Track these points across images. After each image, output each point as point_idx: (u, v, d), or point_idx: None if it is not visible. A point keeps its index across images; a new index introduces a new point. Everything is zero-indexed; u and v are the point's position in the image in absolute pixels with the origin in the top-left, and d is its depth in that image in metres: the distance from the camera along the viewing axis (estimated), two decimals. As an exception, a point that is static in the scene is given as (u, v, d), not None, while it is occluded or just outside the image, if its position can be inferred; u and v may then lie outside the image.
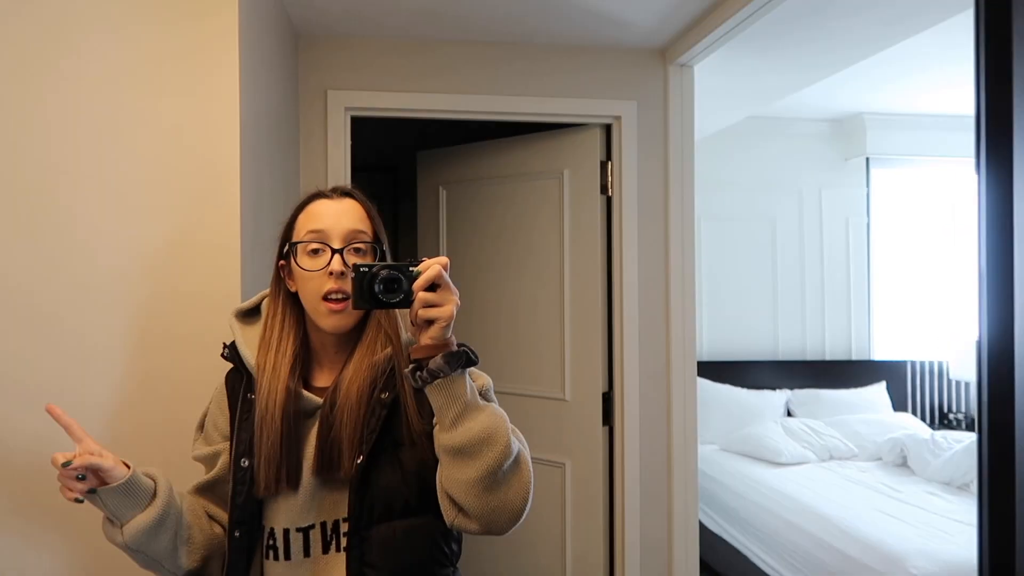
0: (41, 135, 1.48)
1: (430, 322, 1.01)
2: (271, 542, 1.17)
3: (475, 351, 1.06)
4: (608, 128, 2.69)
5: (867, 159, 4.88)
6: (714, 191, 4.64)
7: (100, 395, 1.49)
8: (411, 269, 1.04)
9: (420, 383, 1.02)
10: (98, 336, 1.50)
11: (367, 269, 1.05)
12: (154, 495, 1.14)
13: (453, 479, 1.05)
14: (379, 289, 1.04)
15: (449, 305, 1.01)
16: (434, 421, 1.07)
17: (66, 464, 1.06)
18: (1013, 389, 0.48)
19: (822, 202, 4.91)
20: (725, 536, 3.87)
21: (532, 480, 1.10)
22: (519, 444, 1.10)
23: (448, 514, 1.09)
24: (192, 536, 1.19)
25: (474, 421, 1.03)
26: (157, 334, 1.52)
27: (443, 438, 1.05)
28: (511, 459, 1.05)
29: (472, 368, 1.18)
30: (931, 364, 4.97)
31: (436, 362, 1.01)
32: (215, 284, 1.54)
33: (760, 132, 4.77)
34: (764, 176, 4.84)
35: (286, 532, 1.16)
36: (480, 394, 1.15)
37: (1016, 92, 0.48)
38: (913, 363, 4.94)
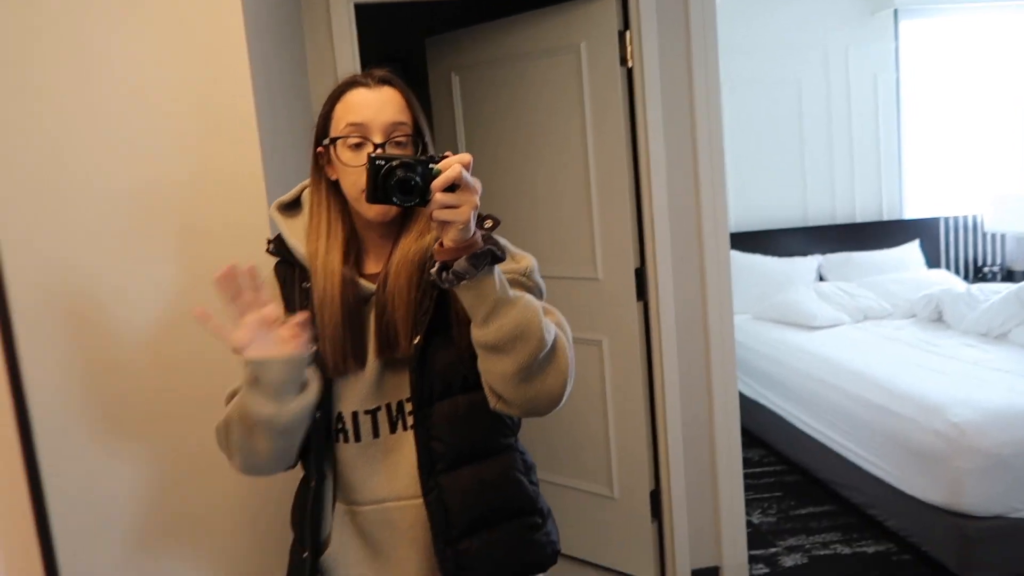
0: (45, 45, 1.44)
1: (447, 223, 0.97)
2: (340, 425, 1.21)
3: (502, 245, 1.03)
4: (624, -6, 2.57)
5: (895, 11, 4.65)
6: (736, 55, 4.46)
7: (141, 326, 1.50)
8: (431, 166, 0.99)
9: (447, 284, 1.01)
10: (132, 271, 1.50)
11: (383, 163, 1.00)
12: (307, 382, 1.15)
13: (490, 372, 1.07)
14: (394, 192, 1.00)
15: (466, 207, 0.97)
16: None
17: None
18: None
19: (849, 60, 4.72)
20: (763, 401, 3.95)
21: (571, 366, 1.10)
22: (556, 331, 1.10)
23: (490, 400, 1.11)
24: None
25: (505, 318, 1.02)
26: (189, 258, 1.51)
27: (477, 334, 1.05)
28: (546, 350, 1.06)
29: (515, 251, 1.18)
30: (964, 219, 4.89)
31: (461, 264, 0.98)
32: (240, 199, 1.52)
33: (783, -12, 4.54)
34: (788, 37, 4.64)
35: (354, 415, 1.20)
36: (523, 275, 1.16)
37: None
38: (946, 219, 4.87)
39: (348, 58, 2.45)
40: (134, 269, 1.50)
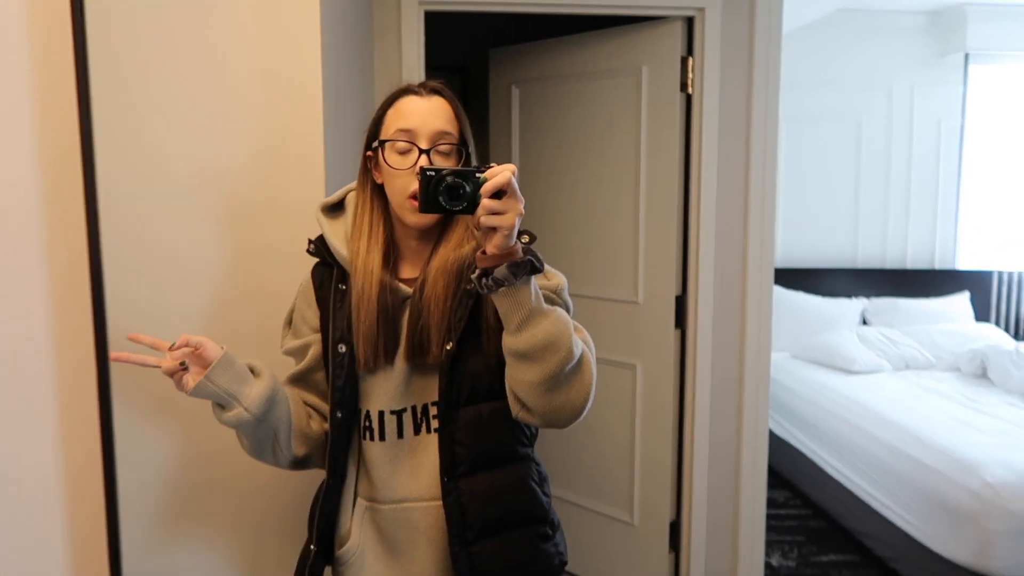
0: (118, 44, 1.49)
1: (493, 229, 1.01)
2: (367, 423, 1.25)
3: (540, 257, 1.06)
4: (690, 21, 2.57)
5: (966, 55, 4.56)
6: (796, 90, 4.42)
7: (194, 307, 1.53)
8: (478, 175, 1.04)
9: (486, 290, 1.04)
10: (189, 250, 1.53)
11: (433, 173, 1.06)
12: (254, 371, 1.22)
13: (517, 379, 1.10)
14: (443, 198, 1.05)
15: (511, 214, 1.00)
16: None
17: (172, 347, 1.15)
18: None
19: (913, 102, 4.64)
20: (792, 441, 3.89)
21: (594, 381, 1.13)
22: (583, 346, 1.12)
23: (513, 407, 1.14)
24: (294, 424, 1.26)
25: (538, 328, 1.05)
26: (242, 245, 1.54)
27: (508, 341, 1.08)
28: (573, 363, 1.08)
29: (548, 269, 1.20)
30: (1020, 275, 4.76)
31: (501, 271, 1.02)
32: (300, 190, 1.55)
33: (850, 26, 4.49)
34: (851, 74, 4.58)
35: (381, 414, 1.23)
36: (554, 292, 1.19)
37: None
38: (1000, 273, 4.74)
39: (414, 62, 2.49)
40: (193, 248, 1.53)
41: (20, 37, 1.43)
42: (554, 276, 1.21)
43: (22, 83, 1.44)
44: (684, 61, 2.57)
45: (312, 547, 1.28)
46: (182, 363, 1.15)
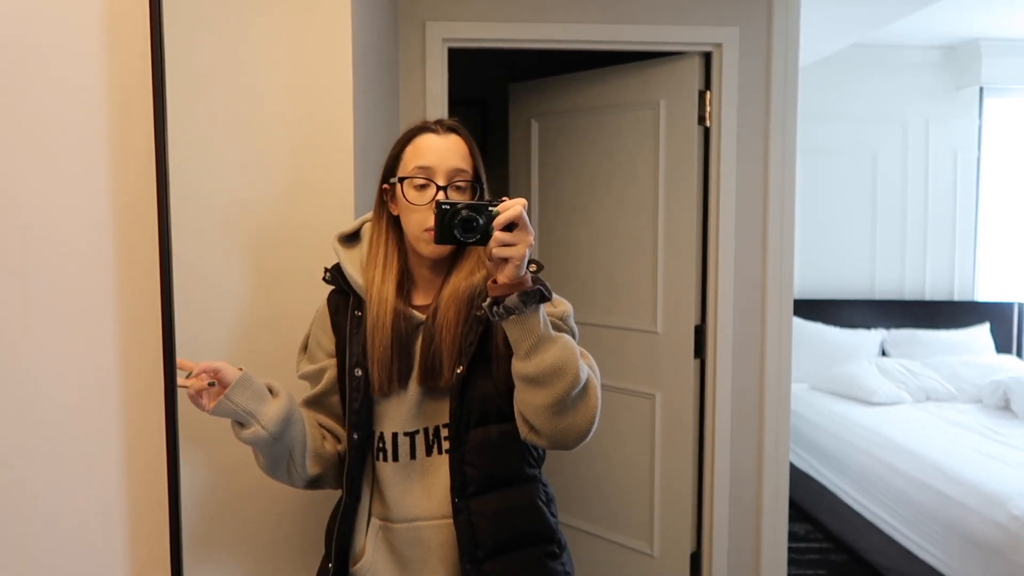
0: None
1: (505, 260, 1.06)
2: (381, 445, 1.29)
3: (548, 286, 1.11)
4: (708, 56, 2.62)
5: (981, 88, 4.59)
6: (812, 123, 4.45)
7: (218, 332, 1.57)
8: (490, 209, 1.09)
9: (497, 318, 1.09)
10: (216, 275, 1.56)
11: (449, 207, 1.11)
12: (272, 391, 1.27)
13: (526, 403, 1.15)
14: (457, 230, 1.10)
15: (522, 245, 1.06)
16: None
17: (188, 375, 1.21)
18: None
19: (929, 135, 4.66)
20: (812, 473, 3.86)
21: (599, 405, 1.18)
22: (589, 371, 1.17)
23: (521, 430, 1.19)
24: (309, 444, 1.30)
25: (547, 353, 1.10)
26: (273, 270, 1.58)
27: (518, 366, 1.13)
28: (579, 387, 1.13)
29: (555, 297, 1.25)
30: (1041, 306, 4.74)
31: (512, 300, 1.07)
32: (332, 221, 1.58)
33: (865, 61, 4.53)
34: (866, 108, 4.62)
35: (394, 436, 1.28)
36: (560, 319, 1.24)
37: None
38: (1021, 305, 4.72)
39: (437, 96, 2.55)
40: (229, 275, 1.57)
41: (100, 81, 1.49)
42: (561, 304, 1.25)
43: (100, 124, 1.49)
44: (702, 95, 2.62)
45: (330, 564, 1.31)
46: (209, 383, 1.22)
